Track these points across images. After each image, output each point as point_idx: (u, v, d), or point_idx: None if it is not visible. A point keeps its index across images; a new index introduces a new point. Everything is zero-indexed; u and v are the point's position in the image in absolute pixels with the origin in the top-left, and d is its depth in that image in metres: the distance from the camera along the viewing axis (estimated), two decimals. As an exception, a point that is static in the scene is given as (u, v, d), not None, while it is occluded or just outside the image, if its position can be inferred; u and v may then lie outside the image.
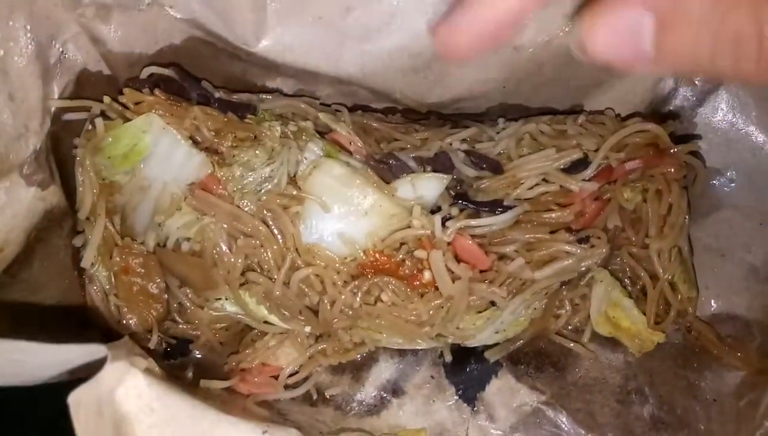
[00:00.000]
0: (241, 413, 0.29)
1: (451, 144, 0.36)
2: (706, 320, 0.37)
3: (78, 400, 0.23)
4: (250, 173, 0.33)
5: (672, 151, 0.35)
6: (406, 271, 0.34)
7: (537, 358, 0.37)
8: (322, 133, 0.36)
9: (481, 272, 0.34)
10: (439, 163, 0.35)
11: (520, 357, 0.37)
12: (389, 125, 0.37)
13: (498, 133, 0.37)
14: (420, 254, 0.33)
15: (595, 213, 0.34)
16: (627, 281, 0.36)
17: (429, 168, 0.35)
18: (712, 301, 0.37)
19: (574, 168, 0.34)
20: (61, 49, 0.32)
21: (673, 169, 0.34)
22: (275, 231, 0.33)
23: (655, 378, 0.36)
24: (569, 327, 0.36)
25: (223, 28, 0.33)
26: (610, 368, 0.37)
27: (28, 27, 0.30)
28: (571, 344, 0.36)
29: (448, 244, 0.33)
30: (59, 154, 0.34)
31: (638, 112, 0.37)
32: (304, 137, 0.35)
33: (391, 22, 0.32)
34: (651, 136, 0.34)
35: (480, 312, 0.34)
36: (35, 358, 0.24)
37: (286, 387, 0.36)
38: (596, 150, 0.34)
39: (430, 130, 0.37)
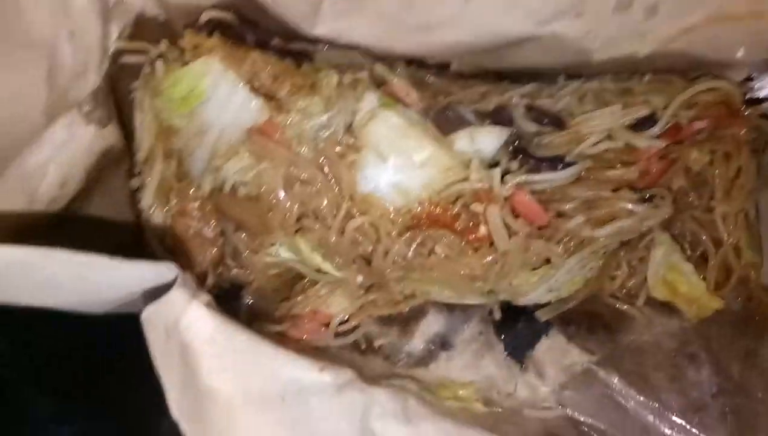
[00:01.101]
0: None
1: (511, 98, 0.35)
2: (768, 288, 0.36)
3: (149, 319, 0.24)
4: (307, 120, 0.33)
5: (744, 112, 0.33)
6: (462, 224, 0.33)
7: (589, 320, 0.36)
8: (378, 84, 0.35)
9: (539, 228, 0.33)
10: (499, 117, 0.34)
11: (571, 318, 0.36)
12: (445, 80, 0.37)
13: (559, 90, 0.35)
14: (476, 207, 0.33)
15: (661, 172, 0.33)
16: (688, 245, 0.35)
17: (488, 121, 0.34)
18: (776, 269, 0.36)
19: (641, 125, 0.33)
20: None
21: (743, 132, 0.33)
22: (331, 179, 0.33)
23: (712, 344, 0.35)
24: (624, 290, 0.36)
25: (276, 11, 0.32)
26: (665, 333, 0.36)
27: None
28: (625, 307, 0.36)
29: (506, 199, 0.33)
30: (117, 96, 0.34)
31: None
32: (360, 88, 0.34)
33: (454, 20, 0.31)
34: (722, 95, 0.33)
35: (535, 269, 0.34)
36: (107, 275, 0.25)
37: (336, 335, 0.36)
38: (665, 107, 0.33)
39: (489, 85, 0.36)
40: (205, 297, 0.27)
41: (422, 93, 0.35)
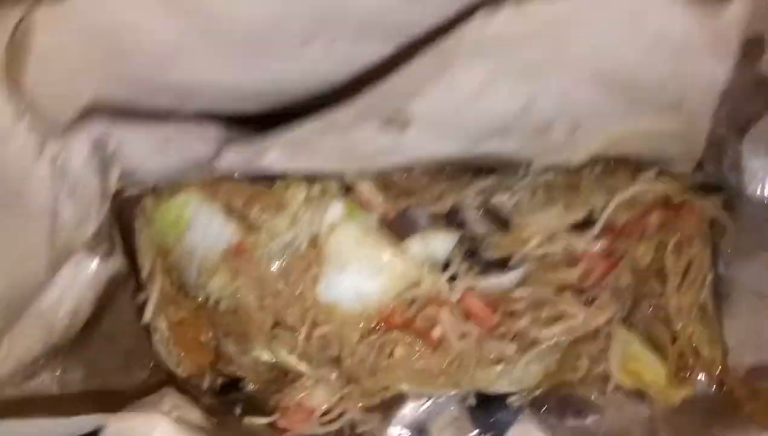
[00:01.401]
0: None
1: (466, 197, 0.37)
2: (743, 371, 0.35)
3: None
4: (275, 239, 0.37)
5: (692, 205, 0.33)
6: (418, 326, 0.36)
7: (559, 406, 0.38)
8: (347, 189, 0.38)
9: (492, 328, 0.35)
10: (452, 220, 0.36)
11: (542, 404, 0.38)
12: (412, 178, 0.39)
13: (517, 182, 0.37)
14: (430, 311, 0.35)
15: (606, 271, 0.34)
16: (648, 335, 0.35)
17: (442, 224, 0.36)
18: (749, 353, 0.35)
19: (582, 226, 0.34)
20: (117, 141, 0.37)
21: (692, 224, 0.33)
22: (297, 291, 0.36)
23: (681, 433, 0.35)
24: (592, 375, 0.37)
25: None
26: (634, 421, 0.36)
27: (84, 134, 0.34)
28: (593, 395, 0.37)
29: (457, 301, 0.35)
30: (122, 221, 0.39)
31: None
32: (327, 197, 0.38)
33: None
34: (663, 192, 0.33)
35: (493, 365, 0.36)
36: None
37: (322, 423, 0.39)
38: (604, 207, 0.33)
39: (449, 182, 0.38)
40: (176, 413, 0.32)
41: (388, 194, 0.38)
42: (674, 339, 0.34)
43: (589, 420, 0.37)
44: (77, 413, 0.31)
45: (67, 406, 0.34)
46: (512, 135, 0.33)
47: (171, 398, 0.34)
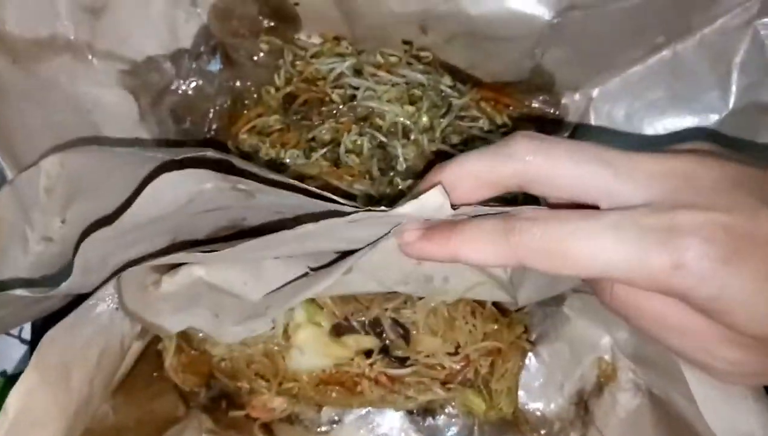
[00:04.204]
0: (251, 434, 0.58)
1: (386, 310, 0.58)
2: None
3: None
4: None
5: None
6: (348, 384, 0.59)
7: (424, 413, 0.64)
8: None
9: (390, 390, 0.59)
10: (374, 327, 0.58)
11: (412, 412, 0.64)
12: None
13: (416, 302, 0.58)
14: (357, 379, 0.58)
15: (458, 373, 0.58)
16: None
17: (369, 328, 0.58)
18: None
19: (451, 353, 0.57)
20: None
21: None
22: (273, 362, 0.58)
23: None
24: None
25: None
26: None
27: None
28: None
29: (373, 377, 0.58)
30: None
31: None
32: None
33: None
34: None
35: (389, 402, 0.61)
36: None
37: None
38: (466, 343, 0.56)
39: (374, 296, 0.58)
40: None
41: (335, 302, 0.58)
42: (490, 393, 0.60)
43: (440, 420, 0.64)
44: None
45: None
46: (410, 283, 0.53)
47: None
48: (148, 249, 0.39)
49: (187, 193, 0.33)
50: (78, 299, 0.42)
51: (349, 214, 0.34)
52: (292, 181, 0.35)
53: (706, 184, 0.25)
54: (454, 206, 0.33)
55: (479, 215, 0.33)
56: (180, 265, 0.42)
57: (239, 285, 0.45)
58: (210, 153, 0.31)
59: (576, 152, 0.28)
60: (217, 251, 0.37)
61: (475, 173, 0.30)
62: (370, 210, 0.34)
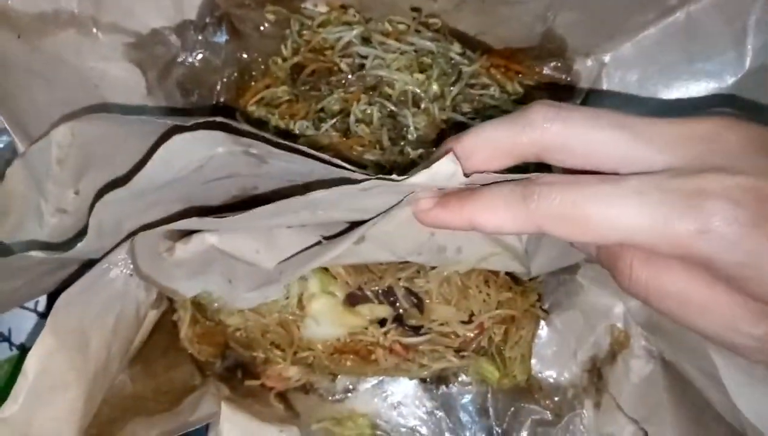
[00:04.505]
0: (266, 403, 0.59)
1: (399, 280, 0.58)
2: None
3: None
4: (273, 303, 0.56)
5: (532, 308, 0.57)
6: (363, 353, 0.59)
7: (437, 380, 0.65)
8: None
9: (405, 359, 0.59)
10: (388, 296, 0.58)
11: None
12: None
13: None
14: (371, 348, 0.59)
15: (472, 341, 0.58)
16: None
17: (382, 298, 0.58)
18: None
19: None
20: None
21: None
22: (288, 332, 0.58)
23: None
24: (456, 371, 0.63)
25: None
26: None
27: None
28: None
29: (387, 345, 0.58)
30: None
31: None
32: (308, 272, 0.57)
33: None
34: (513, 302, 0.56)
35: (403, 370, 0.61)
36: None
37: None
38: (480, 312, 0.56)
39: (387, 266, 0.58)
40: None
41: (349, 271, 0.58)
42: (504, 361, 0.61)
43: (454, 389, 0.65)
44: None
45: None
46: (423, 253, 0.53)
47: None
48: (162, 215, 0.39)
49: (200, 157, 0.33)
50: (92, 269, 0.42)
51: (360, 181, 0.34)
52: (303, 147, 0.35)
53: (733, 147, 0.25)
54: (467, 175, 0.33)
55: (495, 183, 0.32)
56: (193, 232, 0.42)
57: (251, 253, 0.45)
58: (219, 119, 0.31)
59: (594, 118, 0.27)
60: (229, 217, 0.37)
61: (493, 141, 0.30)
62: (381, 178, 0.34)
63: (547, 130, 0.28)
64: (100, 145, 0.37)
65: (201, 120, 0.35)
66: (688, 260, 0.25)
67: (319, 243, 0.48)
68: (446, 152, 0.32)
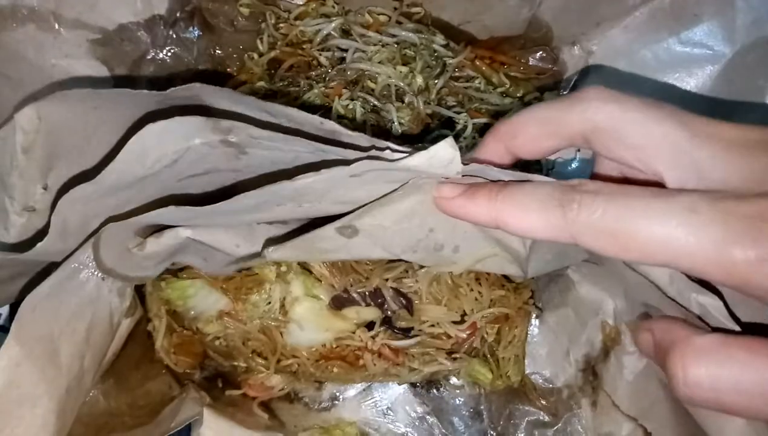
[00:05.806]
0: (249, 412, 0.55)
1: (386, 280, 0.55)
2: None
3: None
4: (253, 308, 0.53)
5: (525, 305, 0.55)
6: (350, 358, 0.57)
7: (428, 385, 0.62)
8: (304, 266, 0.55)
9: (395, 363, 0.57)
10: (375, 298, 0.55)
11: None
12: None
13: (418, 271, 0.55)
14: (358, 353, 0.56)
15: (467, 340, 0.56)
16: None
17: (369, 300, 0.55)
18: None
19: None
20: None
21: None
22: (270, 338, 0.55)
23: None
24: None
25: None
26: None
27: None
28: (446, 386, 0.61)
29: (376, 350, 0.56)
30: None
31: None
32: (290, 274, 0.54)
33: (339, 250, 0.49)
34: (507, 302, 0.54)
35: (393, 375, 0.58)
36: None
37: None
38: (472, 310, 0.54)
39: (374, 265, 0.55)
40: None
41: (333, 272, 0.55)
42: (497, 362, 0.58)
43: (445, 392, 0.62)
44: None
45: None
46: (419, 251, 0.50)
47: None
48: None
49: (174, 149, 0.30)
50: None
51: (352, 162, 0.31)
52: (287, 108, 0.31)
53: None
54: (466, 162, 0.30)
55: (533, 181, 0.29)
56: (165, 228, 0.39)
57: (231, 247, 0.42)
58: (198, 85, 0.28)
59: (651, 107, 0.25)
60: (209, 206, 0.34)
61: (541, 119, 0.27)
62: (373, 157, 0.31)
63: (600, 109, 0.25)
64: (70, 133, 0.33)
65: (179, 88, 0.32)
66: (744, 291, 0.22)
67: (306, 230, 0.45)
68: (495, 132, 0.31)
